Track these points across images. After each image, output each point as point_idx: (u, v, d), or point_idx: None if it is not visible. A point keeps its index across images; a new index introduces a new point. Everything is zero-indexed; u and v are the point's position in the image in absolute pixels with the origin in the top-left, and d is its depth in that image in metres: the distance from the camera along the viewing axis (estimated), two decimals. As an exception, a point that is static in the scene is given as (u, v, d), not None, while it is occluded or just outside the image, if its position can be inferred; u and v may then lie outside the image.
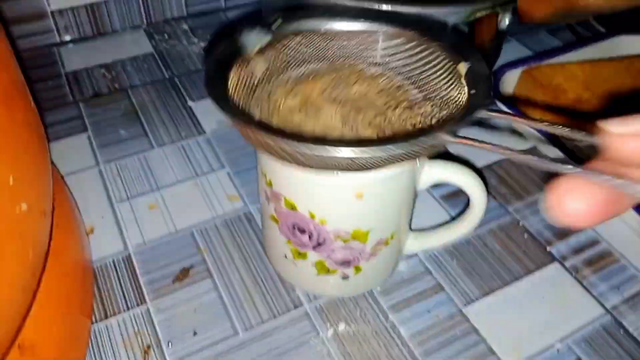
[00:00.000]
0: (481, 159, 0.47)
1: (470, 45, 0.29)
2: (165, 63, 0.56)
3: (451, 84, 0.29)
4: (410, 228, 0.36)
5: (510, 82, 0.50)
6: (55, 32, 0.56)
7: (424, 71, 0.31)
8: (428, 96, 0.30)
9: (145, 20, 0.60)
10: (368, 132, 0.29)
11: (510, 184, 0.45)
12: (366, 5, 0.39)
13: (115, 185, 0.43)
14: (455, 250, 0.40)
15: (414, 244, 0.36)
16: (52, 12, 0.55)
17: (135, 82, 0.53)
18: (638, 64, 0.49)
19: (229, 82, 0.28)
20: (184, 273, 0.37)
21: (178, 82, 0.53)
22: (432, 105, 0.29)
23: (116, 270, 0.37)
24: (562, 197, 0.18)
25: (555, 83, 0.47)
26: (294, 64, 0.34)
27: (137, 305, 0.35)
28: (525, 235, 0.41)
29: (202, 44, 0.58)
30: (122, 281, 0.37)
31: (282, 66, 0.33)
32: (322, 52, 0.34)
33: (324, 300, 0.36)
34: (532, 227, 0.42)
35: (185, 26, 0.61)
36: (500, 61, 0.52)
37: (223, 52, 0.30)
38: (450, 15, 0.41)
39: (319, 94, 0.32)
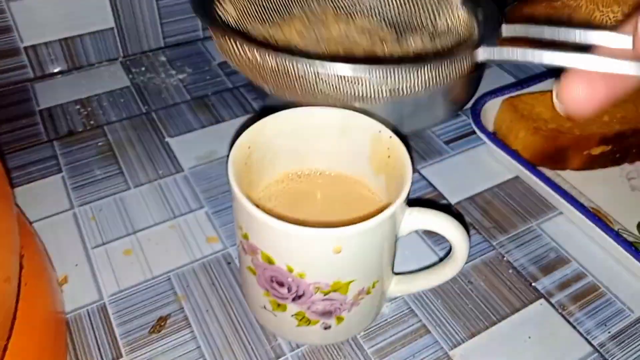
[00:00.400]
0: (463, 192, 0.46)
1: None
2: (143, 97, 0.55)
3: (438, 13, 0.27)
4: (393, 271, 0.35)
5: (491, 112, 0.49)
6: (29, 67, 0.55)
7: (402, 4, 0.29)
8: (414, 29, 0.29)
9: (122, 53, 0.60)
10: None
11: (494, 216, 0.44)
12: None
13: (90, 230, 0.42)
14: (440, 289, 0.39)
15: (398, 288, 0.35)
16: (25, 48, 0.54)
17: (111, 118, 0.52)
18: (618, 91, 0.49)
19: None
20: (161, 323, 0.36)
21: (155, 117, 0.52)
22: (421, 37, 0.28)
23: (91, 321, 0.36)
24: (568, 84, 0.20)
25: (536, 112, 0.47)
26: (264, 8, 0.31)
27: (113, 359, 0.34)
28: (510, 271, 0.40)
29: (180, 77, 0.57)
30: (97, 333, 0.36)
31: (253, 12, 0.31)
32: None
33: (307, 348, 0.35)
34: (517, 262, 0.41)
35: (163, 58, 0.60)
36: (481, 88, 0.52)
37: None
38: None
39: (299, 36, 0.30)
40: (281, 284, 0.29)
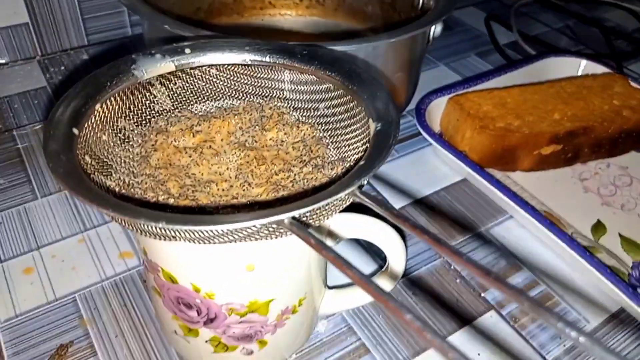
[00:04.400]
0: (408, 196, 0.43)
1: (387, 98, 0.25)
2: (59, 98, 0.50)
3: (365, 144, 0.24)
4: (326, 285, 0.31)
5: (437, 111, 0.46)
6: None
7: (347, 125, 0.27)
8: (343, 156, 0.26)
9: (39, 51, 0.54)
10: (260, 190, 0.24)
11: (440, 222, 0.41)
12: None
13: (-15, 247, 0.37)
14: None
15: (332, 304, 0.31)
16: None
17: (22, 121, 0.47)
18: (569, 88, 0.47)
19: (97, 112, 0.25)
20: (61, 351, 0.31)
21: (72, 120, 0.47)
22: (343, 169, 0.25)
23: (-23, 354, 0.31)
24: None
25: (484, 111, 0.44)
26: (205, 97, 0.29)
27: (-1, 399, 0.29)
28: (458, 280, 0.37)
29: (103, 76, 0.52)
30: (-17, 367, 0.30)
31: (190, 98, 0.29)
32: (242, 87, 0.29)
33: (229, 376, 0.31)
34: (465, 270, 0.38)
35: (85, 56, 0.55)
36: (427, 88, 0.49)
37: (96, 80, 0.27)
38: (361, 49, 0.37)
39: (226, 137, 0.27)
40: (189, 306, 0.25)
